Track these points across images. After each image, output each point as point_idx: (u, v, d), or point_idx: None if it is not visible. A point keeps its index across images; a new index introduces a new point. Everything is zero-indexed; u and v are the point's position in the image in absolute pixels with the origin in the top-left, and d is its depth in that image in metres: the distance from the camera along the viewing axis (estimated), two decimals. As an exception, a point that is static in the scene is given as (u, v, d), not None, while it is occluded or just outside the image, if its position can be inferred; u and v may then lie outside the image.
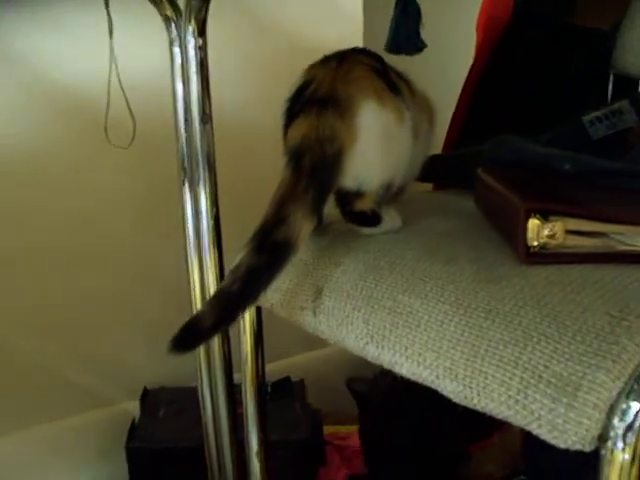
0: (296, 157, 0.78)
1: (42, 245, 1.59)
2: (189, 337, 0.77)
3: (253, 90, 1.62)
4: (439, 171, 1.13)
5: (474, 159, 1.07)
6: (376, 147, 0.82)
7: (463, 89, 1.24)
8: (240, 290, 0.75)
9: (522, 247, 0.74)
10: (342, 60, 0.84)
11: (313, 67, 0.85)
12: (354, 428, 1.73)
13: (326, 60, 0.85)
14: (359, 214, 0.86)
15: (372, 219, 0.87)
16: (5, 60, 1.45)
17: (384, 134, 0.82)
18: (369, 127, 0.80)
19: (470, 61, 1.33)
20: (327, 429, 1.68)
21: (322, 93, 0.80)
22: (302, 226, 0.76)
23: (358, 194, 0.84)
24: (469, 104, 1.24)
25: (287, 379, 1.70)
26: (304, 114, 0.80)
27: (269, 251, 0.76)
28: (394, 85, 0.85)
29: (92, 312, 1.67)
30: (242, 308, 0.78)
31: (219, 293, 0.77)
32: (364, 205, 0.85)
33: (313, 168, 0.78)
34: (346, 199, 0.85)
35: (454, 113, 1.24)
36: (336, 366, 1.93)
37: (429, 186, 1.26)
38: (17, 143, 1.51)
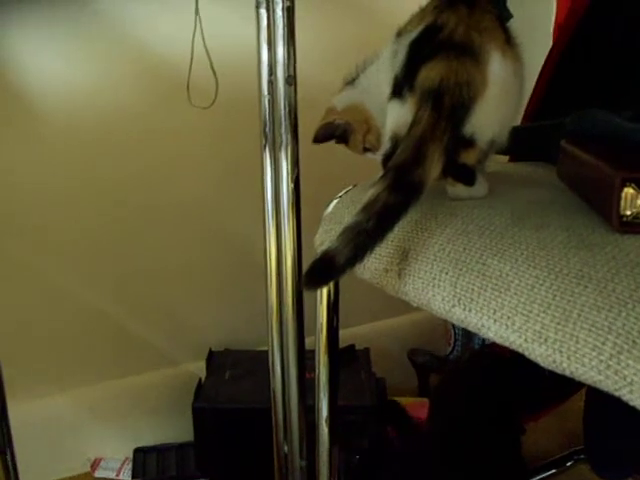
0: (434, 97, 0.78)
1: (117, 208, 1.62)
2: (322, 272, 0.76)
3: (331, 52, 1.62)
4: (518, 143, 1.12)
5: (555, 132, 1.06)
6: (496, 98, 0.82)
7: (546, 60, 1.23)
8: (375, 227, 0.74)
9: (615, 216, 0.74)
10: (472, 7, 0.83)
11: (441, 11, 0.84)
12: (414, 400, 1.74)
13: (453, 2, 0.84)
14: (462, 167, 0.86)
15: (471, 176, 0.88)
16: (87, 21, 1.47)
17: (504, 86, 0.82)
18: (495, 77, 0.81)
19: (551, 32, 1.32)
20: (389, 400, 1.69)
21: (459, 39, 0.80)
22: (436, 168, 0.77)
23: (469, 144, 0.83)
24: (551, 76, 1.23)
25: (351, 347, 1.71)
26: (442, 56, 0.79)
27: (405, 190, 0.75)
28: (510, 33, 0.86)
29: (162, 273, 1.70)
30: (374, 245, 0.76)
31: (353, 229, 0.75)
32: (469, 158, 0.85)
33: (453, 110, 0.78)
34: (455, 148, 0.83)
35: (536, 85, 1.23)
36: (398, 337, 1.94)
37: (505, 158, 1.26)
38: (100, 103, 1.53)
